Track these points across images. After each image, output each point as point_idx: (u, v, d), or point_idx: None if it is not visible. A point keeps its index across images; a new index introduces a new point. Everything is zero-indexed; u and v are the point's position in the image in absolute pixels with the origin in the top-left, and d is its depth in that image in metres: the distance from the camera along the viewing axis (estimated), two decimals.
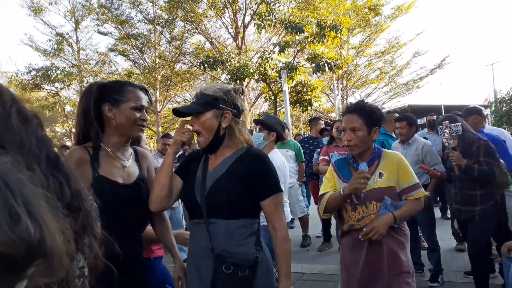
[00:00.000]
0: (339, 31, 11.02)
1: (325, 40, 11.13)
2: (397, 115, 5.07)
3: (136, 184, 1.78)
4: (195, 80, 17.96)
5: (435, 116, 6.50)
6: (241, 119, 1.78)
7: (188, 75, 17.86)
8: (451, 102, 20.47)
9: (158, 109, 17.59)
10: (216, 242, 1.64)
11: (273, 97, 12.99)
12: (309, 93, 12.14)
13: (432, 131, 6.10)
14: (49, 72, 15.73)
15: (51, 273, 0.47)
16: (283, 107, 10.45)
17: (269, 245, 1.79)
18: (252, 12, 13.41)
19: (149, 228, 1.95)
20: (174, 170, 1.83)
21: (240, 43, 14.25)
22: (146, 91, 1.83)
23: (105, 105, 1.71)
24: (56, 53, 17.75)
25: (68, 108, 17.62)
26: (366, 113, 2.21)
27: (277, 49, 12.10)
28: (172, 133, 3.38)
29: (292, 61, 11.97)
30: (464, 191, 3.35)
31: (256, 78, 12.43)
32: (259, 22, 12.02)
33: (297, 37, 11.78)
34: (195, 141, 1.79)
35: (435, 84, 70.55)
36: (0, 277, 0.43)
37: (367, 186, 2.11)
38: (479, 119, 4.07)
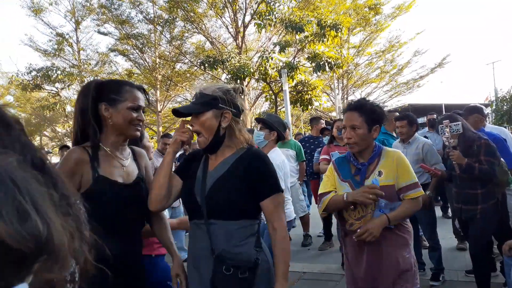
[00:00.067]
0: (340, 30, 11.02)
1: (325, 40, 11.14)
2: (397, 114, 5.07)
3: (136, 183, 1.77)
4: (196, 80, 17.98)
5: (435, 115, 6.48)
6: (241, 118, 1.76)
7: (188, 74, 17.89)
8: (451, 101, 20.52)
9: (159, 109, 17.62)
10: (216, 242, 1.63)
11: (273, 97, 13.00)
12: (309, 92, 12.12)
13: (432, 130, 6.09)
14: (49, 72, 15.70)
15: (56, 268, 0.48)
16: (283, 107, 10.45)
17: (270, 246, 1.78)
18: (252, 11, 13.42)
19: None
20: (174, 169, 1.82)
21: (240, 43, 14.26)
22: (144, 91, 1.82)
23: (102, 104, 1.70)
24: (57, 53, 17.76)
25: (68, 108, 17.58)
26: (367, 111, 2.20)
27: (277, 48, 12.12)
28: (172, 133, 3.38)
29: (292, 61, 11.97)
30: (465, 190, 3.34)
31: (256, 77, 12.45)
32: (259, 22, 12.02)
33: (297, 37, 11.77)
34: (195, 140, 1.78)
35: (436, 83, 70.65)
36: (10, 272, 0.44)
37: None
38: (480, 118, 4.05)
